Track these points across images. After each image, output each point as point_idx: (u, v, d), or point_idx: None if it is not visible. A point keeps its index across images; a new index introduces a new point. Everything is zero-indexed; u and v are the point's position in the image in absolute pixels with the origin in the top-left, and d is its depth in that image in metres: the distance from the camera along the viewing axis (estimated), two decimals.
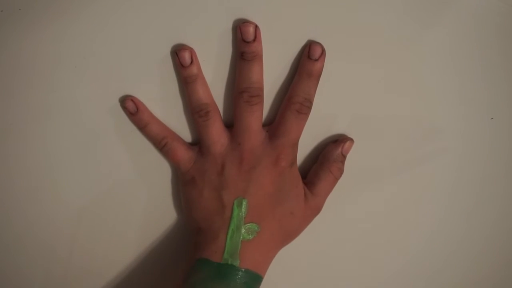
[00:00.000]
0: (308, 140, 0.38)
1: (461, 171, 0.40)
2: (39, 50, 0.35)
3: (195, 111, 0.35)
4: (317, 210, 0.37)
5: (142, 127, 0.37)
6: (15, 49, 0.35)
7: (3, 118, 0.37)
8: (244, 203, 0.35)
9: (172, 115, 0.37)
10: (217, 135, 0.36)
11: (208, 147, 0.36)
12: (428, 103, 0.38)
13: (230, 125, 0.37)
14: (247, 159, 0.35)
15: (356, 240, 0.41)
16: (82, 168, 0.38)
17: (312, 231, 0.38)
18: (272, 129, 0.36)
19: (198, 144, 0.37)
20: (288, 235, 0.37)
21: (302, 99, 0.35)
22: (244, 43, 0.34)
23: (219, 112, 0.37)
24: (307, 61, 0.34)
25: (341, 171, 0.37)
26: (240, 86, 0.35)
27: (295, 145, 0.36)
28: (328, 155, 0.37)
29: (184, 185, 0.37)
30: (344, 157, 0.37)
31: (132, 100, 0.36)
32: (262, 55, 0.35)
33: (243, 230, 0.34)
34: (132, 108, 0.36)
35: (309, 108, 0.35)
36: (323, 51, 0.34)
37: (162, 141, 0.36)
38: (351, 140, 0.37)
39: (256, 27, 0.34)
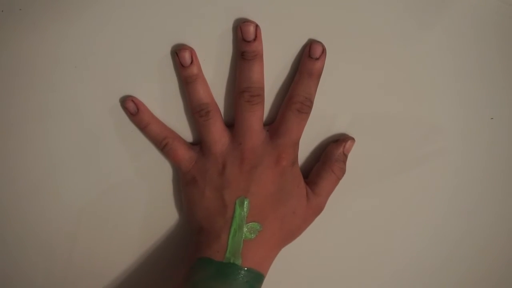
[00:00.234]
0: (309, 140, 0.38)
1: (461, 171, 0.40)
2: (39, 50, 0.35)
3: (196, 111, 0.35)
4: (319, 209, 0.37)
5: (143, 127, 0.36)
6: (15, 49, 0.35)
7: (3, 118, 0.37)
8: (245, 202, 0.35)
9: (172, 115, 0.37)
10: (218, 135, 0.36)
11: (209, 147, 0.36)
12: (428, 102, 0.38)
13: (230, 124, 0.37)
14: (248, 159, 0.35)
15: (357, 239, 0.41)
16: (83, 168, 0.38)
17: (313, 231, 0.38)
18: (273, 129, 0.36)
19: (199, 144, 0.37)
20: (290, 234, 0.37)
21: (303, 99, 0.35)
22: (244, 43, 0.34)
23: (220, 112, 0.37)
24: (308, 60, 0.35)
25: (343, 171, 0.37)
26: (241, 86, 0.35)
27: (296, 145, 0.36)
28: (330, 155, 0.37)
29: (185, 185, 0.37)
30: (346, 156, 0.37)
31: (132, 101, 0.36)
32: (262, 55, 0.35)
33: (245, 229, 0.34)
34: (132, 109, 0.36)
35: (310, 107, 0.35)
36: (323, 50, 0.34)
37: (163, 141, 0.36)
38: (352, 139, 0.38)
39: (257, 26, 0.34)
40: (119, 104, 0.36)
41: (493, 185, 0.41)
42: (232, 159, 0.35)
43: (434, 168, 0.40)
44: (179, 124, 0.37)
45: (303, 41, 0.35)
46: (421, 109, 0.38)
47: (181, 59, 0.35)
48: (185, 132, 0.38)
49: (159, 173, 0.39)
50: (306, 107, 0.35)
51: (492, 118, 0.38)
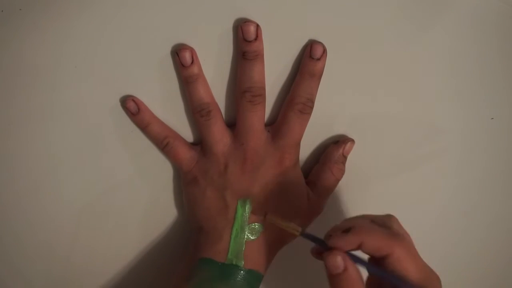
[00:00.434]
0: (309, 141, 0.38)
1: (461, 171, 0.40)
2: (39, 50, 0.35)
3: (197, 111, 0.35)
4: (319, 210, 0.37)
5: (144, 127, 0.36)
6: (15, 49, 0.35)
7: (4, 118, 0.36)
8: (248, 203, 0.35)
9: (173, 115, 0.37)
10: (219, 135, 0.36)
11: (211, 146, 0.36)
12: (428, 103, 0.38)
13: (231, 124, 0.37)
14: (250, 159, 0.35)
15: None
16: (83, 168, 0.38)
17: (313, 231, 0.38)
18: (275, 129, 0.36)
19: (200, 144, 0.37)
20: (291, 234, 0.37)
21: (304, 99, 0.35)
22: (245, 43, 0.34)
23: (221, 112, 0.37)
24: (309, 60, 0.34)
25: (342, 172, 0.38)
26: (243, 86, 0.35)
27: (298, 145, 0.36)
28: (330, 156, 0.37)
29: (186, 185, 0.37)
30: (345, 158, 0.38)
31: (133, 100, 0.36)
32: (263, 55, 0.35)
33: (247, 230, 0.34)
34: (133, 108, 0.36)
35: (312, 108, 0.35)
36: (324, 51, 0.34)
37: (163, 141, 0.36)
38: (352, 141, 0.38)
39: (257, 26, 0.34)
40: (119, 104, 0.36)
41: (493, 185, 0.41)
42: (234, 159, 0.35)
43: (434, 168, 0.40)
44: (180, 124, 0.37)
45: (304, 41, 0.35)
46: (421, 110, 0.38)
47: (182, 59, 0.35)
48: (186, 132, 0.38)
49: (160, 173, 0.39)
50: (307, 108, 0.35)
51: (492, 118, 0.38)
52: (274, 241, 0.36)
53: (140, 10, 0.34)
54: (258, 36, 0.34)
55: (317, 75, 0.35)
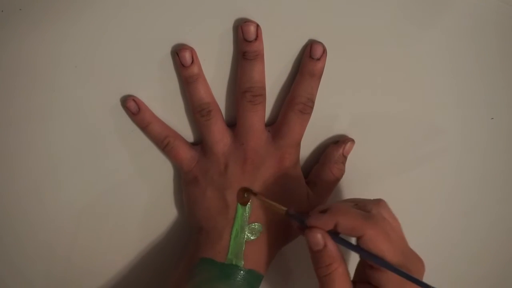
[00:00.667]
0: (309, 141, 0.38)
1: (461, 170, 0.40)
2: (39, 50, 0.35)
3: (197, 111, 0.35)
4: None
5: (144, 127, 0.36)
6: (16, 49, 0.35)
7: (4, 118, 0.36)
8: (248, 203, 0.35)
9: (173, 115, 0.37)
10: (220, 134, 0.36)
11: (211, 146, 0.36)
12: (428, 103, 0.38)
13: (231, 124, 0.37)
14: (250, 159, 0.35)
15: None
16: (84, 168, 0.38)
17: None
18: (275, 129, 0.36)
19: (200, 144, 0.37)
20: (291, 234, 0.37)
21: (305, 100, 0.35)
22: (245, 43, 0.34)
23: (221, 112, 0.37)
24: (309, 60, 0.35)
25: (342, 172, 0.38)
26: (243, 86, 0.35)
27: (298, 145, 0.36)
28: (330, 156, 0.37)
29: (186, 185, 0.37)
30: (345, 158, 0.38)
31: (133, 100, 0.36)
32: (263, 54, 0.35)
33: (247, 231, 0.34)
34: (134, 108, 0.36)
35: (312, 108, 0.35)
36: (324, 51, 0.34)
37: (164, 141, 0.36)
38: (352, 141, 0.38)
39: (258, 26, 0.34)
40: (120, 103, 0.36)
41: (493, 185, 0.41)
42: (234, 159, 0.35)
43: (435, 168, 0.40)
44: (180, 124, 0.37)
45: (304, 41, 0.35)
46: (421, 110, 0.38)
47: (182, 59, 0.35)
48: (186, 131, 0.38)
49: (160, 172, 0.39)
50: (308, 108, 0.35)
51: (492, 118, 0.38)
52: (274, 241, 0.36)
53: (140, 10, 0.34)
54: (258, 36, 0.34)
55: (317, 75, 0.35)
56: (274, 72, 0.36)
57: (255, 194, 0.34)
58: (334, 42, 0.35)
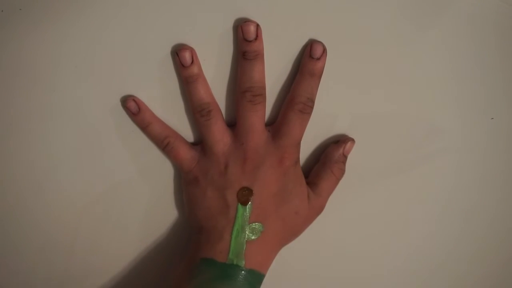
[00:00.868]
0: (309, 140, 0.38)
1: (461, 170, 0.40)
2: (39, 50, 0.35)
3: (197, 111, 0.35)
4: (319, 209, 0.37)
5: (144, 127, 0.36)
6: (16, 49, 0.35)
7: (5, 118, 0.36)
8: (248, 202, 0.35)
9: (173, 115, 0.37)
10: (220, 134, 0.36)
11: (211, 146, 0.36)
12: (428, 103, 0.38)
13: (231, 124, 0.37)
14: (250, 159, 0.35)
15: (356, 239, 0.41)
16: (84, 168, 0.38)
17: (313, 230, 0.38)
18: (275, 129, 0.36)
19: (200, 143, 0.37)
20: (291, 234, 0.37)
21: (305, 99, 0.35)
22: (245, 42, 0.34)
23: (221, 112, 0.36)
24: (309, 60, 0.35)
25: (342, 172, 0.38)
26: (243, 86, 0.35)
27: (298, 145, 0.36)
28: (330, 156, 0.37)
29: (186, 185, 0.37)
30: (346, 157, 0.38)
31: (134, 100, 0.36)
32: (263, 54, 0.35)
33: (247, 230, 0.34)
34: (134, 108, 0.36)
35: (312, 107, 0.35)
36: (324, 50, 0.35)
37: (164, 141, 0.36)
38: (352, 140, 0.38)
39: (258, 26, 0.34)
40: (120, 103, 0.36)
41: (493, 185, 0.41)
42: (234, 158, 0.35)
43: (435, 168, 0.40)
44: (180, 124, 0.37)
45: (304, 41, 0.35)
46: (422, 110, 0.38)
47: (182, 59, 0.35)
48: (187, 132, 0.38)
49: (160, 173, 0.39)
50: (308, 108, 0.35)
51: (492, 118, 0.38)
52: (275, 241, 0.36)
53: (140, 10, 0.34)
54: (258, 36, 0.34)
55: (317, 75, 0.35)
56: (274, 72, 0.36)
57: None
58: (334, 41, 0.35)
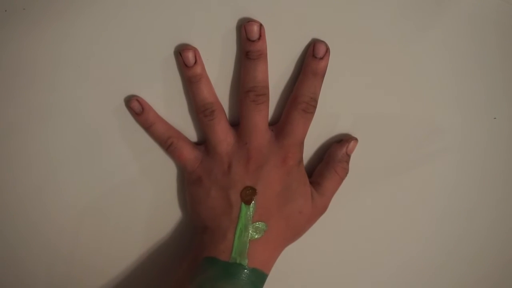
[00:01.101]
0: (312, 140, 0.38)
1: (466, 170, 0.40)
2: (42, 49, 0.35)
3: (200, 111, 0.35)
4: (323, 209, 0.37)
5: (148, 127, 0.36)
6: (19, 49, 0.35)
7: (7, 118, 0.36)
8: (252, 202, 0.35)
9: (177, 115, 0.37)
10: (223, 134, 0.36)
11: (214, 146, 0.36)
12: (431, 103, 0.38)
13: (234, 124, 0.37)
14: (254, 158, 0.35)
15: (359, 238, 0.41)
16: (87, 168, 0.38)
17: (315, 230, 0.38)
18: (278, 129, 0.36)
19: (204, 143, 0.37)
20: (295, 233, 0.37)
21: (308, 99, 0.35)
22: (249, 42, 0.34)
23: (224, 111, 0.37)
24: (312, 59, 0.35)
25: (346, 171, 0.38)
26: (246, 85, 0.35)
27: (301, 144, 0.36)
28: (333, 155, 0.37)
29: (190, 185, 0.37)
30: (349, 156, 0.38)
31: (137, 100, 0.36)
32: (267, 54, 0.35)
33: (251, 229, 0.34)
34: (137, 108, 0.36)
35: (315, 107, 0.35)
36: (327, 50, 0.35)
37: (167, 141, 0.36)
38: (356, 139, 0.38)
39: (261, 25, 0.34)
40: (123, 104, 0.36)
41: (494, 185, 0.41)
42: (238, 158, 0.35)
43: (438, 168, 0.40)
44: (184, 124, 0.37)
45: (307, 40, 0.35)
46: (424, 109, 0.38)
47: (185, 59, 0.35)
48: (190, 131, 0.38)
49: (163, 172, 0.39)
50: (311, 107, 0.35)
51: (495, 118, 0.39)
52: (278, 240, 0.36)
53: (143, 10, 0.35)
54: (261, 35, 0.34)
55: (320, 74, 0.35)
56: (277, 72, 0.36)
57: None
58: (337, 41, 0.35)
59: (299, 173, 0.36)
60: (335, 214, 0.38)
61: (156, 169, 0.38)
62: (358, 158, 0.38)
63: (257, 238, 0.35)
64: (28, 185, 0.38)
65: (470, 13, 0.36)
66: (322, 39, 0.35)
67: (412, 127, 0.38)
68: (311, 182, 0.37)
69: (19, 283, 0.40)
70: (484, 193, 0.41)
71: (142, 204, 0.39)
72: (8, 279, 0.40)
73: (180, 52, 0.35)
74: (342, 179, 0.38)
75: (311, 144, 0.38)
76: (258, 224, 0.35)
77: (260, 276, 0.35)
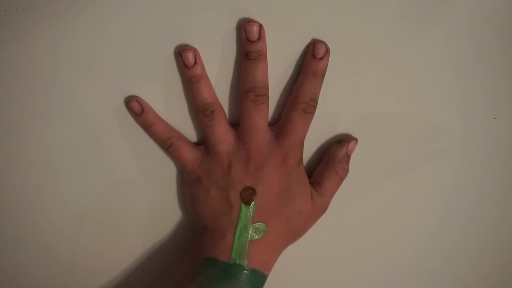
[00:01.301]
0: (312, 140, 0.38)
1: (463, 170, 0.40)
2: (42, 49, 0.35)
3: (200, 111, 0.35)
4: (323, 209, 0.37)
5: (148, 128, 0.36)
6: (19, 49, 0.35)
7: (7, 118, 0.36)
8: (252, 202, 0.35)
9: (177, 115, 0.37)
10: (223, 134, 0.36)
11: (214, 146, 0.36)
12: (429, 102, 0.38)
13: (234, 124, 0.37)
14: (254, 158, 0.35)
15: (359, 239, 0.41)
16: (87, 168, 0.38)
17: (315, 230, 0.38)
18: (278, 129, 0.36)
19: (204, 144, 0.37)
20: (295, 234, 0.37)
21: (308, 99, 0.35)
22: (248, 43, 0.34)
23: (224, 112, 0.37)
24: (312, 59, 0.35)
25: (346, 171, 0.38)
26: (246, 86, 0.35)
27: (301, 144, 0.36)
28: (333, 155, 0.37)
29: (190, 185, 0.37)
30: (349, 157, 0.38)
31: (137, 101, 0.36)
32: (266, 54, 0.35)
33: (250, 230, 0.34)
34: (137, 109, 0.36)
35: (315, 107, 0.35)
36: (327, 50, 0.35)
37: (167, 141, 0.36)
38: (356, 140, 0.38)
39: (261, 26, 0.34)
40: (123, 104, 0.36)
41: (494, 185, 0.41)
42: (237, 158, 0.35)
43: (438, 168, 0.40)
44: (184, 124, 0.37)
45: (307, 41, 0.35)
46: (424, 109, 0.38)
47: (185, 60, 0.35)
48: (190, 132, 0.38)
49: (163, 173, 0.39)
50: (311, 107, 0.35)
51: (495, 118, 0.39)
52: (278, 241, 0.36)
53: (143, 10, 0.35)
54: (261, 36, 0.34)
55: (320, 74, 0.35)
56: (277, 72, 0.36)
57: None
58: (337, 41, 0.35)
59: (299, 173, 0.36)
60: (335, 214, 0.38)
61: (156, 169, 0.38)
62: (358, 158, 0.38)
63: (257, 238, 0.34)
64: (28, 185, 0.38)
65: (470, 13, 0.36)
66: (322, 39, 0.35)
67: (412, 127, 0.38)
68: (311, 182, 0.37)
69: (19, 283, 0.40)
70: (484, 193, 0.41)
71: (142, 204, 0.39)
72: (8, 279, 0.40)
73: (180, 52, 0.35)
74: (342, 179, 0.38)
75: (311, 144, 0.38)
76: (258, 224, 0.35)
77: (259, 277, 0.35)
